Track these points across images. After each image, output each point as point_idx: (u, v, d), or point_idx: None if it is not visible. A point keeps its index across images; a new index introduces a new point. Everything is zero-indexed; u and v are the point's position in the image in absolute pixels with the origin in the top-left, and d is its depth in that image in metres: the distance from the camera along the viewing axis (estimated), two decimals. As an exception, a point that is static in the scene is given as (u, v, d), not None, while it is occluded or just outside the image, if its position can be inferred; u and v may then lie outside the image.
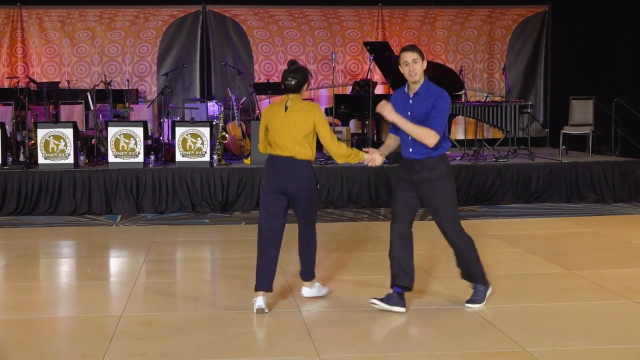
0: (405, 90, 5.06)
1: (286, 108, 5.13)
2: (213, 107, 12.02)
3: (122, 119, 10.91)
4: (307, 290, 5.48)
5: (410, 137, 4.96)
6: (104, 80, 11.17)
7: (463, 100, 11.46)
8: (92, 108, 10.98)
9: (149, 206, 9.51)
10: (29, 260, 7.00)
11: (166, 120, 11.08)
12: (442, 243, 7.65)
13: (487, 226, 8.54)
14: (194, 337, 4.64)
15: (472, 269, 5.24)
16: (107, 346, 4.46)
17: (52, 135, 9.64)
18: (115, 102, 11.41)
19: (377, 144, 10.55)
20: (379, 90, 13.04)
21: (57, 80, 12.72)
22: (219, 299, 5.73)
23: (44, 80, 12.59)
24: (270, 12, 13.40)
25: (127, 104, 11.63)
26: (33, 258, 7.14)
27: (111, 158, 9.71)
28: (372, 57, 11.38)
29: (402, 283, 5.05)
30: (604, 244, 7.58)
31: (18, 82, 11.51)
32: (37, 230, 8.46)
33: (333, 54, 11.89)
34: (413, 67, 4.90)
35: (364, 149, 5.24)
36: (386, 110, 4.98)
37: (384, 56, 11.43)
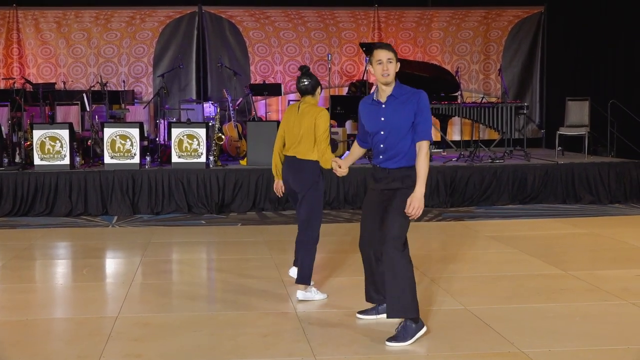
0: (375, 97, 4.63)
1: (298, 110, 5.45)
2: (209, 108, 12.02)
3: (118, 120, 10.90)
4: (302, 294, 5.47)
5: (382, 146, 4.58)
6: (100, 81, 11.16)
7: (459, 101, 11.48)
8: (88, 109, 10.97)
9: (145, 207, 9.50)
10: (25, 261, 6.99)
11: (162, 121, 11.07)
12: (436, 244, 7.67)
13: (483, 227, 8.55)
14: (190, 338, 4.64)
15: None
16: (103, 347, 4.46)
17: (48, 137, 9.63)
18: (111, 103, 11.40)
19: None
20: (375, 91, 13.02)
21: (53, 81, 12.71)
22: (215, 300, 5.72)
23: (40, 81, 12.58)
24: (266, 13, 13.40)
25: (123, 105, 11.63)
26: (29, 259, 7.12)
27: (107, 159, 9.71)
28: (368, 58, 11.36)
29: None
30: (600, 244, 7.59)
31: (14, 83, 11.49)
32: (33, 232, 8.45)
33: (329, 55, 11.90)
34: (387, 67, 4.50)
35: (333, 159, 4.99)
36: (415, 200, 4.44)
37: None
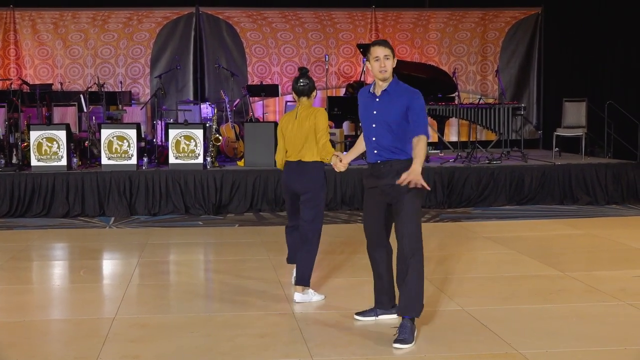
0: (371, 89, 4.70)
1: (296, 116, 5.49)
2: (206, 109, 12.02)
3: (115, 121, 10.89)
4: (300, 296, 5.46)
5: (374, 139, 4.63)
6: (97, 82, 11.15)
7: (456, 102, 11.48)
8: (85, 110, 10.95)
9: (142, 208, 9.50)
10: (22, 262, 6.98)
11: (159, 122, 11.07)
12: (433, 244, 7.67)
13: (481, 228, 8.56)
14: (188, 339, 4.63)
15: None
16: (100, 349, 4.45)
17: (45, 137, 9.62)
18: (108, 104, 11.40)
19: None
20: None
21: (50, 82, 12.71)
22: (212, 301, 5.72)
23: (37, 82, 12.57)
24: (263, 14, 13.40)
25: (120, 106, 11.62)
26: (26, 260, 7.11)
27: (104, 160, 9.70)
28: (365, 59, 11.40)
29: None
30: (597, 245, 7.60)
31: (11, 84, 11.48)
32: (30, 233, 8.44)
33: (326, 56, 11.92)
34: (384, 64, 4.54)
35: (335, 153, 5.11)
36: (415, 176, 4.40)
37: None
